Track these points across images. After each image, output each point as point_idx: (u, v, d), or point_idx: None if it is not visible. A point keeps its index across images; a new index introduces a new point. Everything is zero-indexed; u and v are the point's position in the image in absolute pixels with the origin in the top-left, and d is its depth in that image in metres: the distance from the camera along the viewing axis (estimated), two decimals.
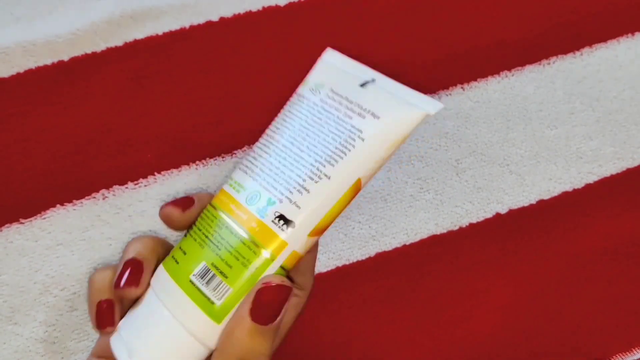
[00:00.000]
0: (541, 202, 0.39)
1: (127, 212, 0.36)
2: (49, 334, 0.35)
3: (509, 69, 0.40)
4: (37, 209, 0.36)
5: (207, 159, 0.38)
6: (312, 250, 0.30)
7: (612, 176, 0.39)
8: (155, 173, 0.37)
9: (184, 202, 0.30)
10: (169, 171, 0.37)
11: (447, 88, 0.39)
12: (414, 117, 0.28)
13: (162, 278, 0.28)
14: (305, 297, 0.31)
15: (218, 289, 0.27)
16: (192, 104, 0.38)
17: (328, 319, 0.36)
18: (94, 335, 0.35)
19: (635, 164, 0.40)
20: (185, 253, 0.28)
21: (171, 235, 0.36)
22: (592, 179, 0.39)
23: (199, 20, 0.39)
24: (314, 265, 0.31)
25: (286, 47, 0.39)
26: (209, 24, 0.39)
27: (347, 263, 0.37)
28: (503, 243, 0.38)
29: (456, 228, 0.38)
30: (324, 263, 0.37)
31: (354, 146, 0.28)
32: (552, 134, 0.39)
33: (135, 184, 0.37)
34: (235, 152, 0.38)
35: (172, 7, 0.38)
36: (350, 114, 0.28)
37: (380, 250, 0.38)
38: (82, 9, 0.38)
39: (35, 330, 0.34)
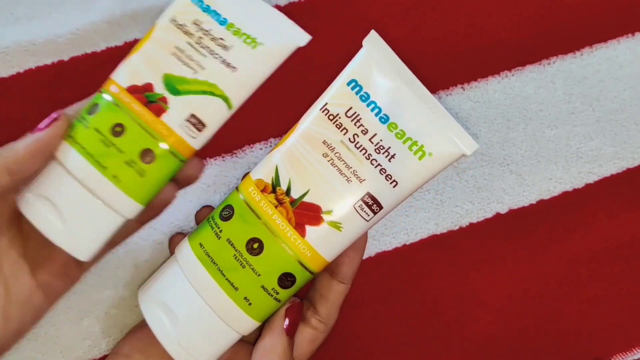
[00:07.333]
0: (541, 202, 0.39)
1: None
2: (49, 334, 0.35)
3: (509, 69, 0.40)
4: None
5: (207, 158, 0.38)
6: (340, 290, 0.30)
7: (612, 176, 0.39)
8: None
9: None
10: None
11: (447, 88, 0.39)
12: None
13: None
14: (324, 332, 0.31)
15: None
16: None
17: None
18: (95, 334, 0.35)
19: (635, 164, 0.40)
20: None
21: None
22: (592, 178, 0.39)
23: None
24: (340, 305, 0.31)
25: None
26: None
27: None
28: (503, 243, 0.38)
29: (456, 228, 0.38)
30: None
31: None
32: (553, 134, 0.39)
33: None
34: (235, 152, 0.38)
35: None
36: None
37: (380, 250, 0.38)
38: (82, 9, 0.38)
39: (36, 330, 0.34)
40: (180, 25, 0.30)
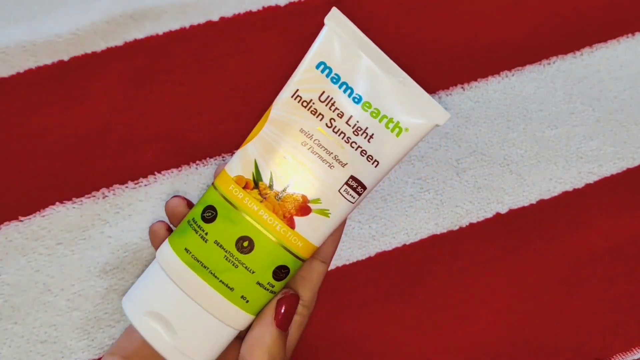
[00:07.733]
0: (541, 202, 0.39)
1: (127, 212, 0.36)
2: (49, 334, 0.35)
3: (509, 69, 0.40)
4: (37, 207, 0.36)
5: (207, 158, 0.38)
6: (322, 270, 0.30)
7: (612, 176, 0.39)
8: (156, 172, 0.37)
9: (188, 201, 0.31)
10: (169, 171, 0.37)
11: (447, 88, 0.39)
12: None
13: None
14: (307, 316, 0.31)
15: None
16: (192, 103, 0.38)
17: (328, 319, 0.36)
18: (94, 335, 0.35)
19: (635, 164, 0.40)
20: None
21: None
22: (592, 178, 0.39)
23: (199, 20, 0.39)
24: (319, 286, 0.31)
25: (286, 47, 0.39)
26: (209, 24, 0.39)
27: (347, 263, 0.37)
28: (503, 243, 0.38)
29: (456, 228, 0.38)
30: None
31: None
32: (553, 134, 0.39)
33: (136, 183, 0.37)
34: (235, 152, 0.38)
35: (172, 7, 0.38)
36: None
37: (380, 250, 0.38)
38: (82, 9, 0.38)
39: (35, 330, 0.34)
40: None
